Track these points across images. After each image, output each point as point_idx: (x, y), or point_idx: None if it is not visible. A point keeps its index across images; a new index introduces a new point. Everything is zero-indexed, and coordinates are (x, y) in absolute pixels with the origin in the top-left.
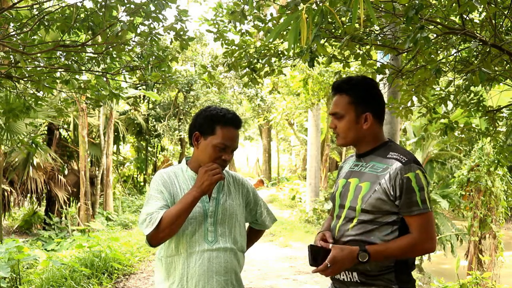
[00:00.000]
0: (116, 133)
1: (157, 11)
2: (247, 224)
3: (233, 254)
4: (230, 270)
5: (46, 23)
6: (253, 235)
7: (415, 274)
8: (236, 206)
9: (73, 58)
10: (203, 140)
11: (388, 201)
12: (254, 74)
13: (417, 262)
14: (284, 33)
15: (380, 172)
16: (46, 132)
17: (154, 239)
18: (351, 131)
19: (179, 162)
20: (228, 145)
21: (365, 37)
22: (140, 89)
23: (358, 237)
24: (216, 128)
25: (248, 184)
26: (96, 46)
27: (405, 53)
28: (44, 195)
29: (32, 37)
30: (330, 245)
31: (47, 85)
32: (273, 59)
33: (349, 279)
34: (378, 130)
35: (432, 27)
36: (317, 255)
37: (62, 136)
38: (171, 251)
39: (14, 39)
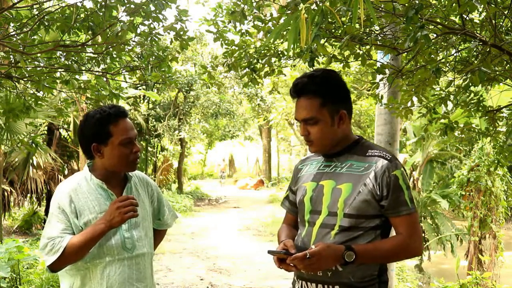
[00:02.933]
0: None
1: (157, 11)
2: None
3: (150, 258)
4: (149, 276)
5: (46, 23)
6: (157, 236)
7: (415, 274)
8: (147, 207)
9: (73, 58)
10: (104, 148)
11: (374, 201)
12: (254, 74)
13: (417, 262)
14: (284, 33)
15: (362, 172)
16: (46, 132)
17: (55, 267)
18: (328, 136)
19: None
20: (131, 136)
21: (365, 37)
22: (140, 89)
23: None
24: (110, 128)
25: (152, 183)
26: (96, 46)
27: (405, 53)
28: (44, 195)
29: (32, 37)
30: (313, 246)
31: (47, 85)
32: (273, 59)
33: None
34: (350, 127)
35: (432, 27)
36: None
37: (62, 136)
38: (84, 263)
39: (14, 39)
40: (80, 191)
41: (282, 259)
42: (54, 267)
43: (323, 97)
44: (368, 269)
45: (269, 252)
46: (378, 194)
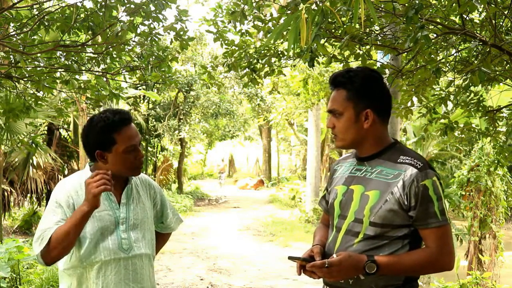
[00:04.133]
0: None
1: (157, 11)
2: None
3: (148, 260)
4: (146, 277)
5: (46, 23)
6: (161, 239)
7: None
8: (147, 209)
9: (73, 58)
10: (108, 154)
11: (401, 211)
12: (254, 74)
13: None
14: (284, 33)
15: (391, 179)
16: (46, 132)
17: (46, 258)
18: (351, 131)
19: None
20: (135, 143)
21: (365, 37)
22: (140, 89)
23: (365, 253)
24: (114, 136)
25: (155, 185)
26: (96, 46)
27: (405, 53)
28: (44, 195)
29: (32, 37)
30: (335, 255)
31: (47, 85)
32: (273, 59)
33: None
34: (382, 130)
35: (432, 27)
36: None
37: (62, 136)
38: (80, 262)
39: (14, 39)
40: (80, 190)
41: (304, 266)
42: (45, 258)
43: (349, 90)
44: (391, 278)
45: (290, 258)
46: (406, 204)
